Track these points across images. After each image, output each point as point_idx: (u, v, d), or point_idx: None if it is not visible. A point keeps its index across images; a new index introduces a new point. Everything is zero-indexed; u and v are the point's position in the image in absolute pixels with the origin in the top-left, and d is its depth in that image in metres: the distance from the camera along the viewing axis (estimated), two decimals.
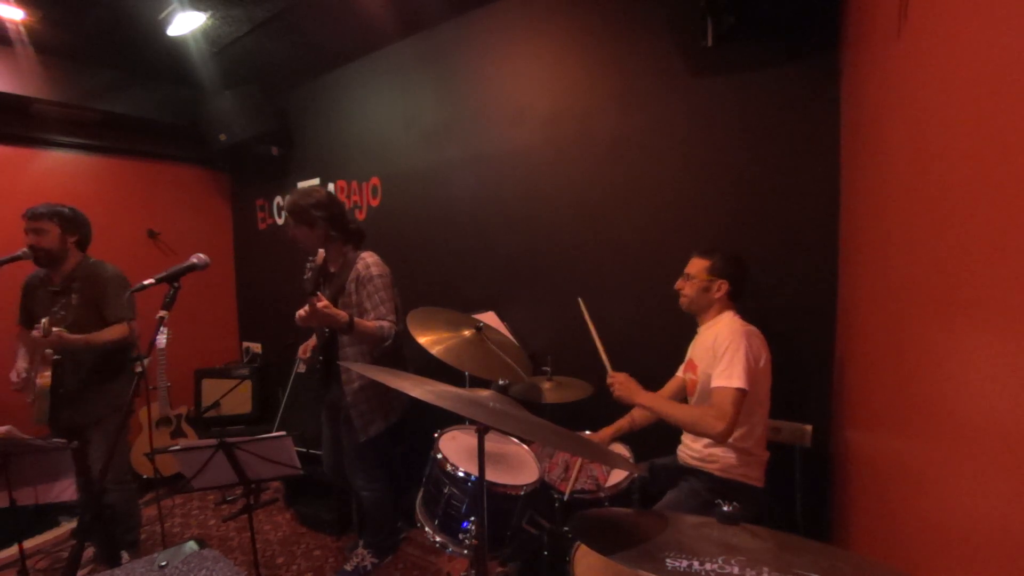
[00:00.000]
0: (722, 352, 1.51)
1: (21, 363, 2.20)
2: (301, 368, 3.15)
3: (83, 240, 2.28)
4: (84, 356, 2.21)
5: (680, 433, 1.79)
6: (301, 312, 1.74)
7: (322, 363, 2.15)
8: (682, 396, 1.83)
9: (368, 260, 2.05)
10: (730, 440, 1.55)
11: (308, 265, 1.77)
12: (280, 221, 3.88)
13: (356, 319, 1.85)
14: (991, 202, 0.62)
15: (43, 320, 1.98)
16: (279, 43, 2.98)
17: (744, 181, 1.94)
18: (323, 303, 1.72)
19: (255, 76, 3.38)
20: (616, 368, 1.70)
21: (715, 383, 1.49)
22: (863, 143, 1.40)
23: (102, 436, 2.23)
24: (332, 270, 2.14)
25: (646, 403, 1.59)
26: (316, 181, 3.56)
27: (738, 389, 1.44)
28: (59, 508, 2.74)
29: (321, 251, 1.79)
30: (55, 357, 2.11)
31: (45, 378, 2.10)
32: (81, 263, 2.25)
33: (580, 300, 1.87)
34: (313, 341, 2.23)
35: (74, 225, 2.24)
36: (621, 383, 1.64)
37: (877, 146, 1.22)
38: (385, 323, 1.94)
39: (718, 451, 1.62)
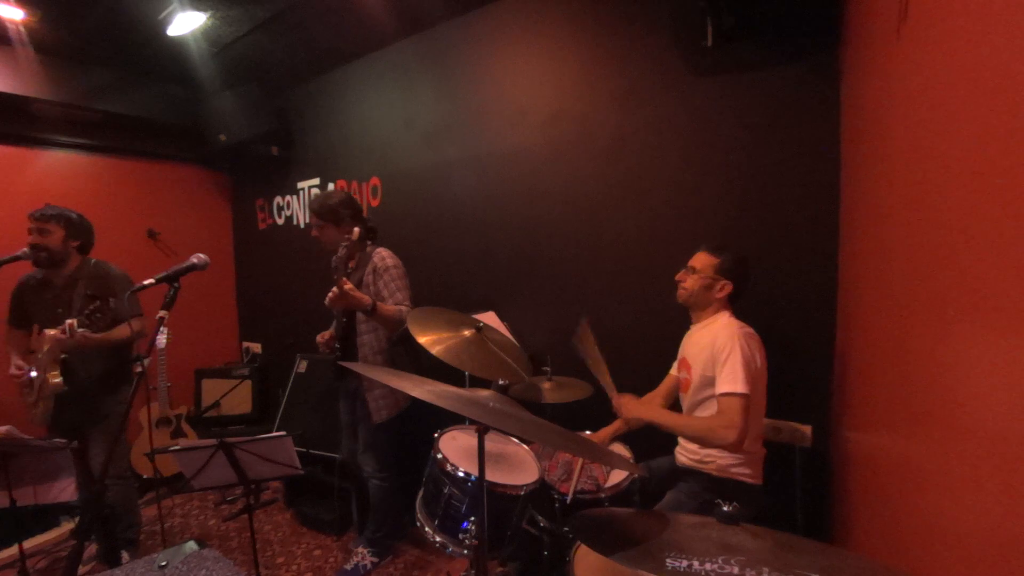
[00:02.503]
0: (723, 358, 1.50)
1: (17, 359, 2.20)
2: (301, 368, 3.16)
3: (85, 245, 2.29)
4: (94, 356, 2.22)
5: None
6: (331, 294, 1.87)
7: (339, 351, 2.23)
8: (675, 393, 1.83)
9: (383, 253, 2.20)
10: None
11: (343, 244, 1.91)
12: (280, 221, 3.88)
13: (378, 303, 2.00)
14: (991, 202, 0.62)
15: (68, 322, 1.98)
16: (279, 43, 2.98)
17: (744, 181, 1.94)
18: (349, 286, 1.87)
19: (255, 76, 3.38)
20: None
21: (720, 389, 1.49)
22: (863, 143, 1.40)
23: (102, 435, 2.24)
24: (351, 265, 2.22)
25: (656, 419, 1.60)
26: (316, 181, 3.57)
27: (743, 395, 1.44)
28: (59, 508, 2.73)
29: (356, 228, 1.92)
30: (63, 356, 2.12)
31: (56, 377, 2.10)
32: (83, 264, 2.26)
33: (585, 325, 1.83)
34: (330, 332, 2.30)
35: (79, 230, 2.25)
36: (628, 405, 1.67)
37: (877, 146, 1.22)
38: (403, 308, 2.08)
39: (715, 451, 1.61)
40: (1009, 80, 0.57)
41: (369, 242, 2.25)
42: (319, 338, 2.34)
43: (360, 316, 2.16)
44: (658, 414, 1.62)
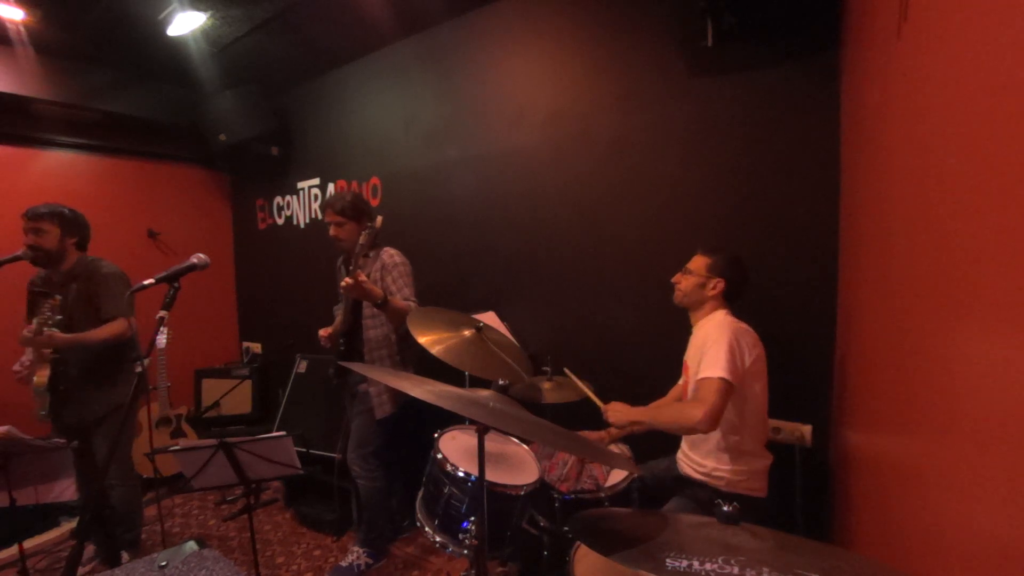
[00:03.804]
0: (708, 346, 1.52)
1: (26, 357, 2.21)
2: (301, 368, 3.16)
3: (82, 241, 2.29)
4: (81, 355, 2.21)
5: (679, 436, 1.78)
6: (344, 282, 1.94)
7: (344, 346, 2.26)
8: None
9: (391, 251, 2.27)
10: (729, 443, 1.55)
11: (366, 232, 1.95)
12: (280, 221, 3.88)
13: (388, 296, 2.07)
14: (991, 202, 0.62)
15: (35, 320, 1.99)
16: (279, 43, 2.98)
17: (744, 181, 1.94)
18: (363, 278, 1.95)
19: (255, 76, 3.38)
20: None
21: (699, 375, 1.49)
22: (863, 143, 1.40)
23: (105, 434, 2.24)
24: (361, 261, 2.22)
25: (639, 417, 1.62)
26: (316, 181, 3.57)
27: (720, 378, 1.42)
28: (59, 508, 2.74)
29: (380, 217, 1.98)
30: (54, 356, 2.12)
31: (42, 376, 2.11)
32: (80, 260, 2.26)
33: (567, 371, 1.98)
34: (332, 328, 2.33)
35: (74, 226, 2.25)
36: (614, 409, 1.68)
37: (877, 146, 1.22)
38: (412, 303, 2.14)
39: (723, 467, 1.58)
40: (1010, 80, 0.57)
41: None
42: (321, 333, 2.35)
43: (366, 312, 2.21)
44: (640, 413, 1.63)
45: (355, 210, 2.23)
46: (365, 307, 2.21)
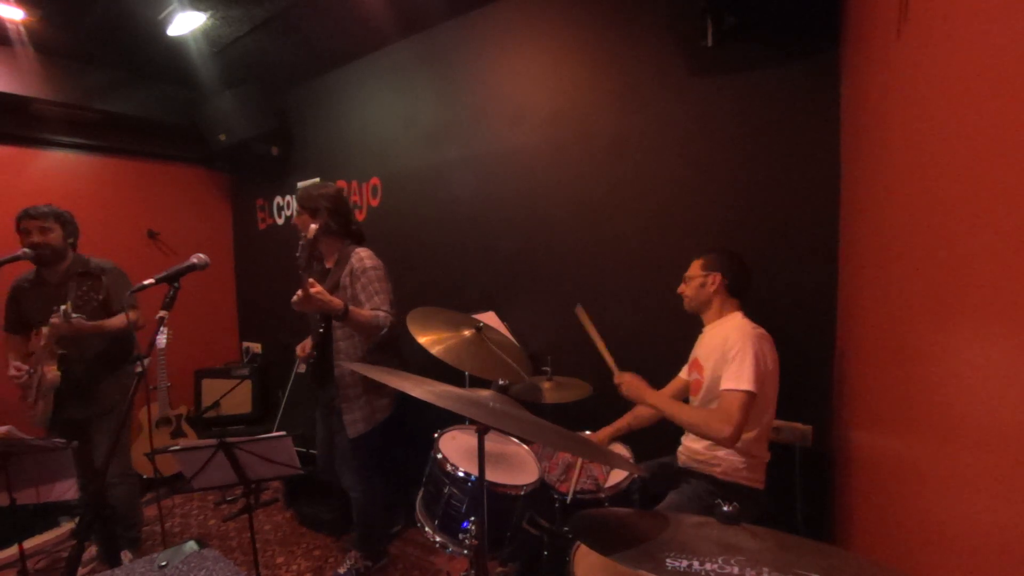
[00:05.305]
0: (733, 354, 1.50)
1: (16, 362, 2.19)
2: (301, 368, 3.16)
3: (75, 242, 2.32)
4: (89, 348, 2.22)
5: (680, 433, 1.79)
6: (295, 297, 1.73)
7: (317, 360, 2.16)
8: (683, 397, 1.83)
9: (361, 254, 2.07)
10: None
11: (300, 243, 1.77)
12: (280, 221, 3.88)
13: (351, 307, 1.85)
14: (991, 201, 0.62)
15: (63, 307, 1.98)
16: (279, 43, 2.98)
17: (744, 181, 1.94)
18: (316, 288, 1.72)
19: (255, 76, 3.38)
20: (618, 368, 1.71)
21: (724, 385, 1.49)
22: (863, 143, 1.40)
23: (104, 431, 2.25)
24: (328, 266, 2.16)
25: (654, 402, 1.61)
26: (316, 181, 3.56)
27: (746, 392, 1.44)
28: (59, 508, 2.74)
29: (313, 226, 1.78)
30: (60, 352, 2.12)
31: (54, 372, 2.10)
32: (75, 259, 2.28)
33: (579, 309, 1.89)
34: (310, 342, 2.24)
35: (72, 227, 2.28)
36: (629, 383, 1.67)
37: (877, 146, 1.22)
38: (381, 313, 1.94)
39: (720, 454, 1.61)
40: (1010, 79, 0.57)
41: (350, 242, 2.15)
42: (299, 350, 2.25)
43: (337, 322, 2.00)
44: (657, 398, 1.62)
45: (312, 202, 2.07)
46: None
